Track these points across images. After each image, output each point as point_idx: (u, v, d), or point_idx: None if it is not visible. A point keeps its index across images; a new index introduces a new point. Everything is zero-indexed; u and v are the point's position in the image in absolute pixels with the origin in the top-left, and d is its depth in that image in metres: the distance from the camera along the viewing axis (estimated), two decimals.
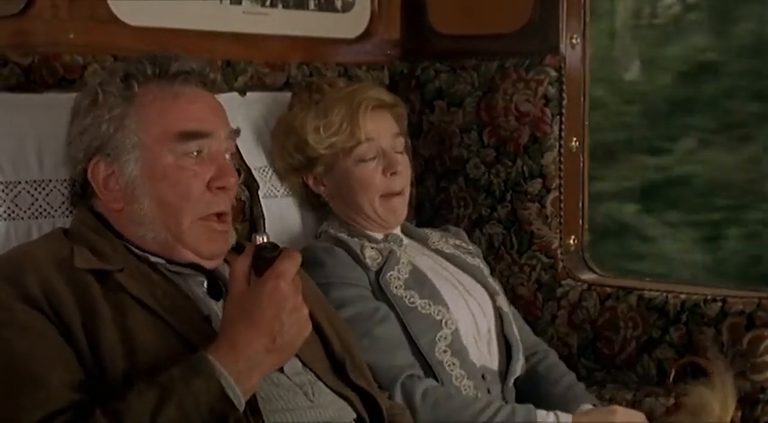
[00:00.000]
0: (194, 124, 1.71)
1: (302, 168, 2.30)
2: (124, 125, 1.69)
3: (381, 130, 2.25)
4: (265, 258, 1.55)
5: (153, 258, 1.71)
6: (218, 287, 1.73)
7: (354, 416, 1.74)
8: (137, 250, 1.71)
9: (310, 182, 2.31)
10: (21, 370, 1.49)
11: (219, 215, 1.73)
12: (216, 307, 1.70)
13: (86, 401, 1.49)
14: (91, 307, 1.56)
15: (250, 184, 1.67)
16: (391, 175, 2.24)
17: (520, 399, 2.22)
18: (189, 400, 1.45)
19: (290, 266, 1.53)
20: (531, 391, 2.24)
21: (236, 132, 1.79)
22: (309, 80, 2.44)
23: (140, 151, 1.69)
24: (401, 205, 2.27)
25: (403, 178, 2.27)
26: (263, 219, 1.59)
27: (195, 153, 1.70)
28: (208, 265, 1.74)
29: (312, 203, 2.36)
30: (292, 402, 1.65)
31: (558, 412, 2.01)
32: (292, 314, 1.52)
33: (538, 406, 2.08)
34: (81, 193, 1.77)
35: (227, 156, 1.75)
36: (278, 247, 1.57)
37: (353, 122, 2.22)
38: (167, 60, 1.72)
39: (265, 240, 1.57)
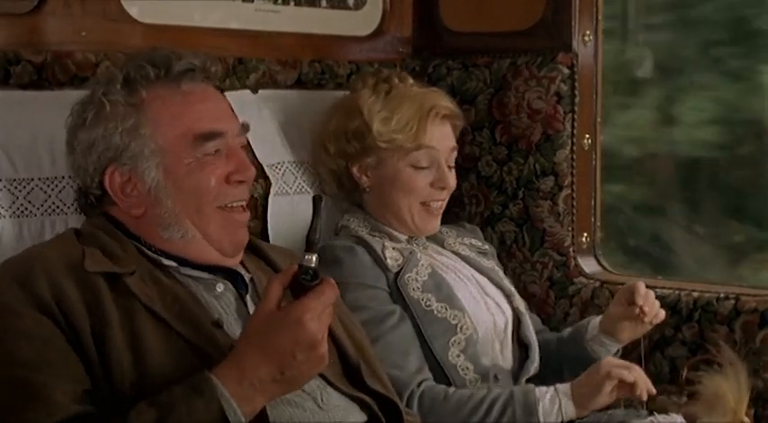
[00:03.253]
0: (209, 125, 1.70)
1: (354, 155, 2.25)
2: (140, 134, 1.68)
3: (443, 141, 2.23)
4: (302, 284, 1.50)
5: (165, 261, 1.69)
6: (243, 285, 1.73)
7: (365, 418, 1.72)
8: (150, 253, 1.70)
9: (355, 169, 2.26)
10: (22, 381, 1.48)
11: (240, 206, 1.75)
12: (226, 310, 1.69)
13: (89, 414, 1.48)
14: (100, 311, 1.55)
15: (316, 200, 1.64)
16: (439, 188, 2.22)
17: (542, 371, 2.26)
18: (187, 420, 1.44)
19: (321, 304, 1.49)
20: (547, 356, 2.26)
21: (246, 128, 1.79)
22: (377, 68, 2.40)
23: (160, 157, 1.68)
24: (437, 217, 2.26)
25: (447, 193, 2.26)
26: (319, 240, 1.55)
27: (213, 152, 1.70)
28: (230, 263, 1.74)
29: (343, 191, 2.32)
30: (300, 408, 1.63)
31: (557, 385, 2.01)
32: (308, 351, 1.48)
33: (560, 360, 2.22)
34: (95, 201, 1.75)
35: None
36: (318, 275, 1.51)
37: (421, 125, 2.20)
38: (168, 60, 1.70)
39: (312, 263, 1.51)
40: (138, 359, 1.53)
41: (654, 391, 2.01)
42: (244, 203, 1.75)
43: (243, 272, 1.76)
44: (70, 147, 1.75)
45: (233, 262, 1.75)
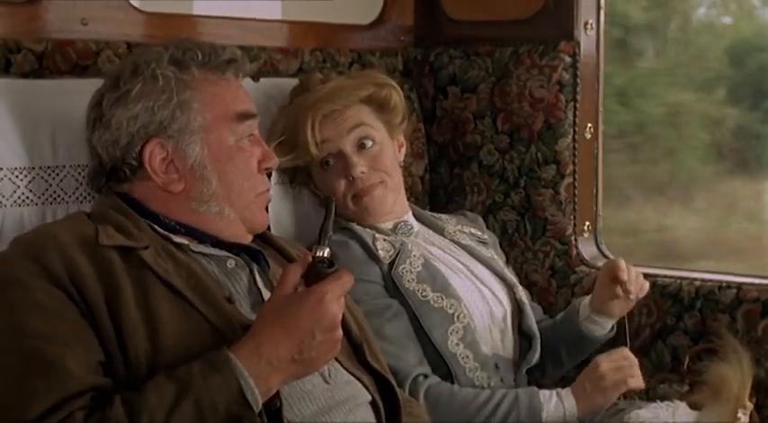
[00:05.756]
0: (246, 106, 1.80)
1: (292, 175, 2.29)
2: (191, 108, 1.73)
3: (334, 133, 2.16)
4: (319, 272, 1.54)
5: (176, 239, 1.71)
6: (265, 263, 1.78)
7: (369, 398, 1.74)
8: (161, 230, 1.72)
9: (311, 186, 2.29)
10: (35, 352, 1.48)
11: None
12: (236, 287, 1.71)
13: (105, 385, 1.49)
14: (114, 284, 1.56)
15: (328, 201, 1.68)
16: (350, 179, 2.16)
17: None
18: (206, 397, 1.45)
19: (340, 287, 1.53)
20: (545, 342, 2.25)
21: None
22: (298, 81, 2.33)
23: (204, 133, 1.74)
24: (376, 201, 2.18)
25: (371, 176, 2.17)
26: (330, 234, 1.59)
27: (248, 136, 1.79)
28: (247, 241, 1.80)
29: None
30: (309, 384, 1.65)
31: (559, 390, 2.03)
32: (326, 332, 1.51)
33: (557, 345, 2.23)
34: (128, 174, 1.75)
35: None
36: (334, 264, 1.57)
37: (299, 140, 2.15)
38: (213, 49, 1.78)
39: (325, 255, 1.56)
40: (153, 331, 1.54)
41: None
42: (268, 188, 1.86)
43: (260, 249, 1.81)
44: (98, 122, 1.75)
45: (249, 240, 1.81)
